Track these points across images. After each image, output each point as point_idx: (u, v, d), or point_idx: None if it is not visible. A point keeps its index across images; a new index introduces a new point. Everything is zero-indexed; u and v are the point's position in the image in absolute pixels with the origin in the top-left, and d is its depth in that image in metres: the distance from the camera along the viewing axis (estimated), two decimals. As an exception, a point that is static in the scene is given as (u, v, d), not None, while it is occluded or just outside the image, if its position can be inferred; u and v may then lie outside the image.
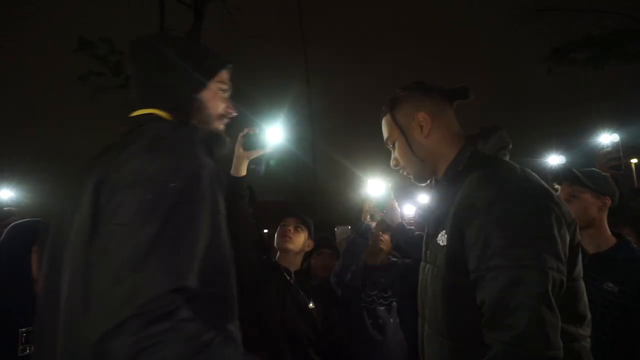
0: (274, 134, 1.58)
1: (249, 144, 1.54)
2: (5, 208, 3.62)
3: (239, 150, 1.57)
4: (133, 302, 0.65)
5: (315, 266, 2.53)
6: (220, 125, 1.11)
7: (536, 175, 1.04)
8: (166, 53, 1.04)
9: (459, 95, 1.23)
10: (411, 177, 1.25)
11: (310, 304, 2.01)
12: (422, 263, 1.23)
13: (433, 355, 1.10)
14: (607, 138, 2.00)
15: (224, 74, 1.10)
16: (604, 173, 1.82)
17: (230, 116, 1.13)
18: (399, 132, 1.20)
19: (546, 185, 1.00)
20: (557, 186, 1.88)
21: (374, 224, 2.21)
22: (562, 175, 1.84)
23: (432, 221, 1.18)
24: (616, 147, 1.96)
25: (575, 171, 1.77)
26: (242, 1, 12.80)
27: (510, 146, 1.18)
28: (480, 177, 1.03)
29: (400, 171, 1.27)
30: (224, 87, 1.10)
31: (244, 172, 1.60)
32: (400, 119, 1.20)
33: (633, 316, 1.57)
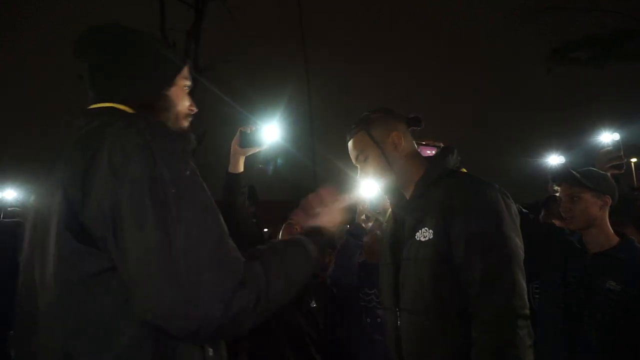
0: (271, 132, 1.58)
1: (245, 142, 1.54)
2: (9, 208, 3.61)
3: (235, 147, 1.58)
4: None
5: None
6: (185, 123, 1.08)
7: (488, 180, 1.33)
8: (136, 45, 1.00)
9: (415, 123, 1.47)
10: (379, 187, 1.46)
11: (312, 303, 2.01)
12: (389, 264, 1.42)
13: (415, 338, 1.29)
14: (607, 137, 1.99)
15: (186, 70, 1.07)
16: (602, 172, 1.82)
17: (193, 114, 1.10)
18: (375, 147, 1.40)
19: (502, 188, 1.30)
20: (556, 187, 1.87)
21: (370, 224, 2.20)
22: (562, 176, 1.84)
23: (407, 224, 1.38)
24: (617, 146, 1.96)
25: (574, 172, 1.76)
26: (243, 0, 12.78)
27: (459, 163, 1.46)
28: (456, 185, 1.32)
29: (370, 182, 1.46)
30: (188, 83, 1.08)
31: (241, 169, 1.61)
32: (377, 136, 1.40)
33: (635, 315, 1.57)
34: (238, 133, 1.56)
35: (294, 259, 0.88)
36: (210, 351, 0.82)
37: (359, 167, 1.47)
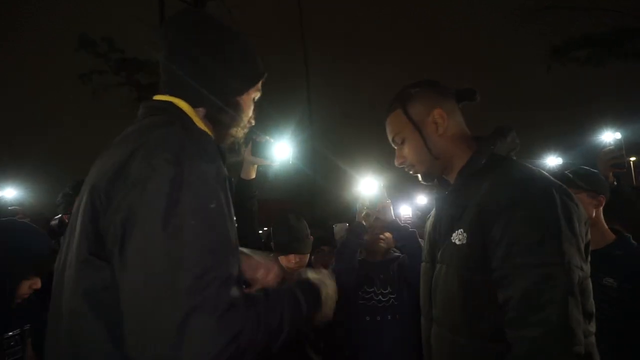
0: (283, 150, 1.64)
1: (257, 152, 1.61)
2: (10, 207, 3.62)
3: (248, 155, 1.64)
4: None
5: (315, 264, 2.53)
6: (242, 134, 1.05)
7: (550, 176, 1.07)
8: (226, 42, 0.94)
9: (467, 96, 1.23)
10: (419, 175, 1.24)
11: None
12: (427, 263, 1.24)
13: (445, 354, 1.09)
14: (609, 136, 1.99)
15: (260, 83, 1.05)
16: (592, 170, 1.83)
17: (250, 126, 1.08)
18: (413, 128, 1.18)
19: (565, 186, 1.03)
20: None
21: (370, 221, 2.19)
22: (557, 178, 1.86)
23: (443, 221, 1.18)
24: (619, 145, 1.96)
25: (569, 174, 1.77)
26: (242, 0, 12.79)
27: (518, 147, 1.20)
28: (503, 177, 1.05)
29: (406, 169, 1.25)
30: (259, 94, 1.06)
31: (252, 176, 1.68)
32: (415, 115, 1.18)
33: (633, 311, 1.57)
34: (251, 142, 1.60)
35: (289, 313, 0.82)
36: None
37: (396, 150, 1.26)
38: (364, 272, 2.17)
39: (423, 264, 1.26)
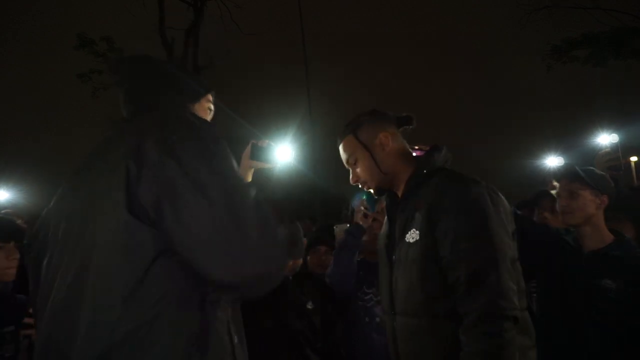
0: (283, 152, 1.62)
1: (256, 155, 1.58)
2: (3, 211, 3.59)
3: (245, 158, 1.62)
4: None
5: (311, 263, 2.53)
6: None
7: (477, 177, 1.31)
8: (164, 64, 1.09)
9: (405, 122, 1.46)
10: (372, 190, 1.44)
11: (309, 305, 2.00)
12: (384, 267, 1.41)
13: (410, 339, 1.28)
14: (606, 139, 2.01)
15: (210, 96, 1.15)
16: (600, 172, 1.84)
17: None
18: (363, 150, 1.39)
19: (492, 186, 1.27)
20: (555, 183, 1.89)
21: (369, 222, 2.20)
22: (564, 172, 1.88)
23: (398, 227, 1.36)
24: (615, 148, 1.97)
25: (578, 169, 1.79)
26: (243, 0, 12.78)
27: (450, 160, 1.42)
28: (443, 182, 1.28)
29: (360, 186, 1.46)
30: (211, 107, 1.16)
31: (249, 180, 1.66)
32: (364, 138, 1.40)
33: (633, 312, 1.58)
34: (249, 145, 1.59)
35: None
36: (236, 338, 0.86)
37: (350, 170, 1.46)
38: (362, 273, 2.17)
39: (381, 268, 1.44)
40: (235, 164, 0.85)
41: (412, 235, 1.26)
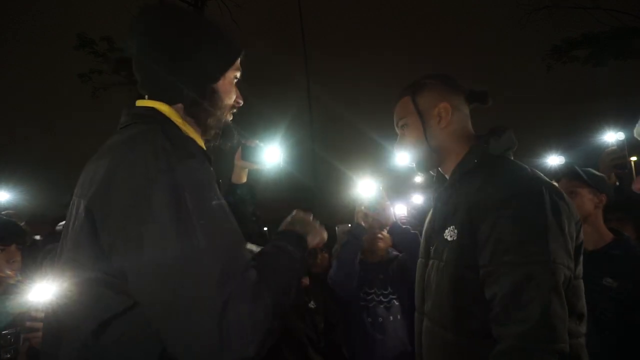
0: (273, 154, 1.58)
1: (246, 156, 1.56)
2: (3, 212, 3.58)
3: (238, 159, 1.60)
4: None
5: (311, 263, 2.53)
6: (229, 117, 1.04)
7: (543, 175, 1.08)
8: (184, 33, 0.91)
9: (479, 98, 1.24)
10: (413, 163, 1.26)
11: (311, 304, 1.99)
12: (422, 259, 1.25)
13: (434, 348, 1.12)
14: (611, 136, 2.00)
15: (238, 61, 1.01)
16: (600, 173, 1.86)
17: (239, 106, 1.06)
18: (417, 116, 1.20)
19: (556, 184, 1.05)
20: (554, 183, 1.89)
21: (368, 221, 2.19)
22: (563, 171, 1.91)
23: (438, 217, 1.19)
24: (621, 146, 1.96)
25: (577, 168, 1.81)
26: (243, 0, 12.78)
27: (516, 146, 1.20)
28: (493, 176, 1.07)
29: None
30: (238, 75, 1.02)
31: (243, 180, 1.64)
32: (422, 104, 1.20)
33: (633, 311, 1.58)
34: (240, 146, 1.57)
35: (286, 270, 0.84)
36: None
37: (398, 134, 1.29)
38: (363, 273, 2.16)
39: (419, 260, 1.28)
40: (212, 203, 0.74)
41: (451, 233, 1.08)
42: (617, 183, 2.12)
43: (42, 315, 1.43)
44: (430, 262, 1.17)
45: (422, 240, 1.31)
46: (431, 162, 1.23)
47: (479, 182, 1.08)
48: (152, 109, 0.92)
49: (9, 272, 1.64)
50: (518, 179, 1.04)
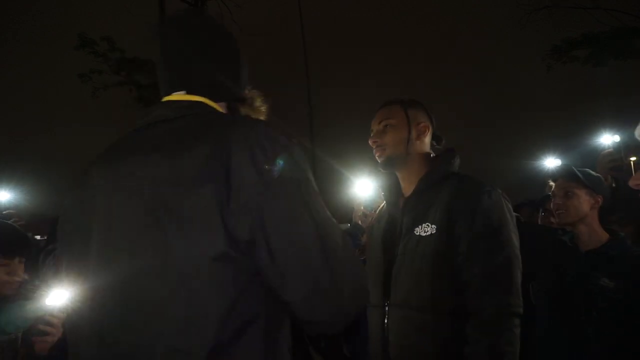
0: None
1: None
2: (4, 212, 3.57)
3: None
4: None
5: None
6: None
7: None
8: (228, 39, 0.95)
9: (436, 139, 1.54)
10: (383, 157, 1.44)
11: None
12: (377, 258, 1.43)
13: (408, 332, 1.28)
14: (608, 139, 2.02)
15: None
16: (597, 174, 1.87)
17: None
18: (405, 123, 1.43)
19: (552, 184, 1.33)
20: (551, 183, 1.91)
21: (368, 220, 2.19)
22: (560, 172, 1.92)
23: (406, 220, 1.39)
24: (618, 148, 1.98)
25: (574, 169, 1.82)
26: (243, 0, 12.78)
27: (458, 167, 1.48)
28: (463, 184, 1.34)
29: (375, 149, 1.45)
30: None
31: None
32: (411, 116, 1.45)
33: (631, 311, 1.59)
34: None
35: None
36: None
37: (373, 132, 1.48)
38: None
39: (371, 262, 1.49)
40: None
41: (425, 229, 1.31)
42: (614, 185, 2.12)
43: (57, 320, 1.43)
44: (399, 257, 1.35)
45: (375, 244, 1.49)
46: (400, 162, 1.44)
47: (451, 190, 1.33)
48: (199, 102, 0.89)
49: (25, 277, 1.60)
50: (481, 187, 1.31)
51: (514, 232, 1.29)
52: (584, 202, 1.77)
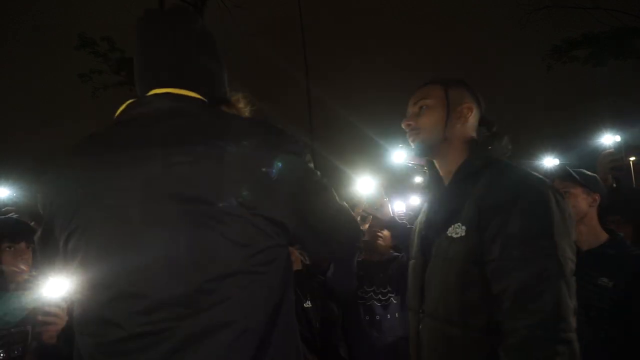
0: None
1: None
2: (4, 209, 3.58)
3: None
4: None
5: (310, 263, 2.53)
6: None
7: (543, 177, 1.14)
8: (214, 39, 0.97)
9: (488, 124, 1.32)
10: (417, 141, 1.28)
11: (306, 304, 2.00)
12: (416, 260, 1.30)
13: (437, 345, 1.14)
14: (609, 139, 2.01)
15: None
16: (592, 173, 1.87)
17: None
18: (443, 103, 1.25)
19: (556, 185, 1.13)
20: None
21: (366, 226, 2.20)
22: (556, 172, 1.95)
23: (438, 216, 1.23)
24: (618, 148, 1.98)
25: (569, 169, 1.83)
26: (243, 0, 12.77)
27: (510, 152, 1.27)
28: (500, 177, 1.12)
29: (409, 132, 1.30)
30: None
31: None
32: (452, 96, 1.25)
33: (629, 310, 1.58)
34: None
35: None
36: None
37: (408, 113, 1.31)
38: (362, 273, 2.17)
39: (412, 261, 1.33)
40: None
41: (457, 230, 1.11)
42: (614, 185, 2.12)
43: (55, 310, 1.44)
44: (432, 261, 1.19)
45: (415, 240, 1.35)
46: (437, 149, 1.26)
47: (486, 183, 1.13)
48: (198, 98, 0.90)
49: (23, 267, 1.65)
50: (524, 180, 1.09)
51: (563, 236, 1.01)
52: (582, 201, 1.77)
